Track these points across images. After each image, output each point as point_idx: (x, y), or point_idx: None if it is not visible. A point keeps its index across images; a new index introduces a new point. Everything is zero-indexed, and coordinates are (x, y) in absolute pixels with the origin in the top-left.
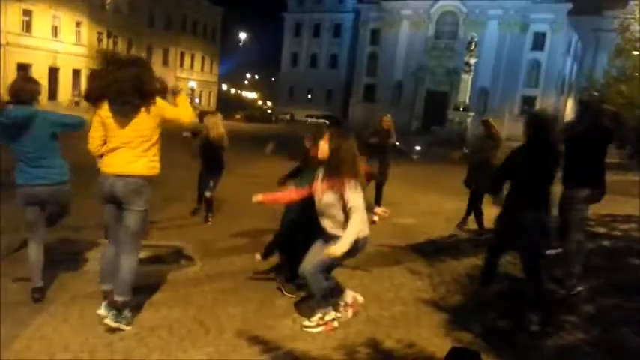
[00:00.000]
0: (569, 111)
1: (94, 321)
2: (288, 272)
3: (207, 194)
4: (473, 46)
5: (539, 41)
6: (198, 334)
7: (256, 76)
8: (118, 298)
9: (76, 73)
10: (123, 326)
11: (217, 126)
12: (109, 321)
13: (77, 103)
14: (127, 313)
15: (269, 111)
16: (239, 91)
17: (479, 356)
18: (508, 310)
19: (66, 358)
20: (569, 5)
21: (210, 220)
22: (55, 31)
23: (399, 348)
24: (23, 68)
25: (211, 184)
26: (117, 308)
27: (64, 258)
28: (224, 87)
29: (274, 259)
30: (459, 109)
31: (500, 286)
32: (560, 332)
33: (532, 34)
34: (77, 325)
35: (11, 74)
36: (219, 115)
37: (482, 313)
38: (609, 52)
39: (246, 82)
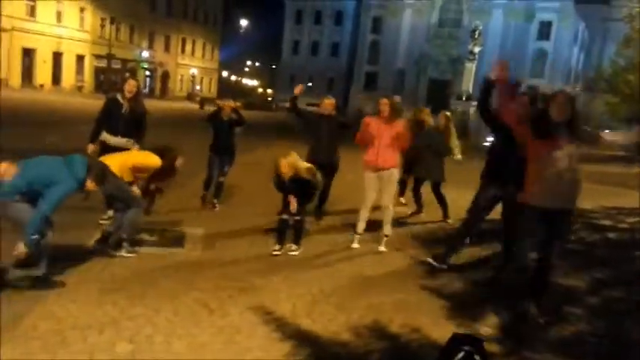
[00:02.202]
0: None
1: (101, 300)
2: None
3: (221, 179)
4: (477, 35)
5: (545, 30)
6: (202, 315)
7: (257, 64)
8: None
9: (80, 58)
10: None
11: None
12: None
13: (80, 88)
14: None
15: (269, 98)
16: (239, 79)
17: (481, 343)
18: (511, 298)
19: (74, 335)
20: None
21: (217, 206)
22: (59, 16)
23: (403, 333)
24: (28, 53)
25: (226, 169)
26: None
27: (72, 240)
28: (224, 74)
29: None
30: (462, 99)
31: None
32: (563, 323)
33: (538, 22)
34: (85, 304)
35: (16, 59)
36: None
37: (484, 301)
38: (617, 41)
39: (246, 69)
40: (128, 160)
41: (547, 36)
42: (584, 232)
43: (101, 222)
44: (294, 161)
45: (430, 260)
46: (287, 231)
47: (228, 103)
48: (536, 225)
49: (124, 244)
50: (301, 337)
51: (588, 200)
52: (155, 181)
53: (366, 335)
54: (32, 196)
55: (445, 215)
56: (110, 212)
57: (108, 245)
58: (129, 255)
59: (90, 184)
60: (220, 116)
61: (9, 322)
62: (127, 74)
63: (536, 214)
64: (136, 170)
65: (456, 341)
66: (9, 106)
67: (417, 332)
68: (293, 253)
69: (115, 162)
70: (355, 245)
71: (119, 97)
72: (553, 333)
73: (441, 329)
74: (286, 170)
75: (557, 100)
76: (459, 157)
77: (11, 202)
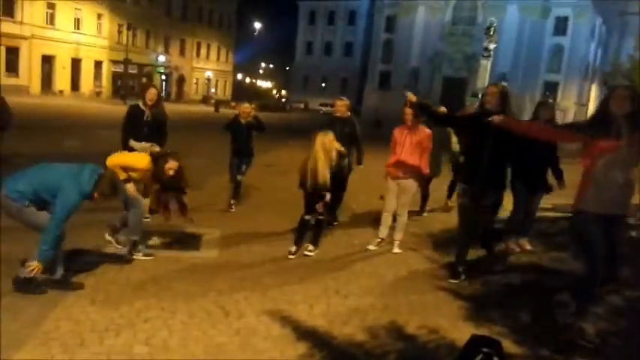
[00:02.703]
0: (594, 97)
1: (118, 303)
2: None
3: (239, 177)
4: (492, 32)
5: (561, 26)
6: (218, 317)
7: (271, 65)
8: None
9: (98, 64)
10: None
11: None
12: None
13: (98, 94)
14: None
15: (283, 100)
16: (254, 81)
17: (499, 344)
18: (530, 300)
19: (92, 337)
20: None
21: (233, 207)
22: (77, 23)
23: (420, 334)
24: (47, 60)
25: (244, 167)
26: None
27: (90, 244)
28: (239, 76)
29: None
30: (477, 96)
31: (523, 277)
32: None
33: (554, 18)
34: (103, 306)
35: (36, 66)
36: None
37: (503, 303)
38: (635, 35)
39: (260, 71)
40: (119, 159)
41: (563, 31)
42: None
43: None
44: (332, 139)
45: (451, 281)
46: (306, 232)
47: (245, 106)
48: (594, 233)
49: (140, 247)
50: (317, 339)
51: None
52: (164, 188)
53: (383, 336)
54: (42, 204)
55: (422, 209)
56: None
57: (118, 243)
58: (146, 258)
59: (97, 196)
60: (239, 120)
61: (29, 324)
62: (144, 79)
63: (594, 221)
64: (126, 169)
65: (475, 343)
66: (29, 111)
67: (435, 333)
68: (309, 253)
69: (109, 162)
70: (371, 247)
71: (141, 104)
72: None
73: (458, 330)
74: (326, 147)
75: (618, 95)
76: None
77: (24, 207)
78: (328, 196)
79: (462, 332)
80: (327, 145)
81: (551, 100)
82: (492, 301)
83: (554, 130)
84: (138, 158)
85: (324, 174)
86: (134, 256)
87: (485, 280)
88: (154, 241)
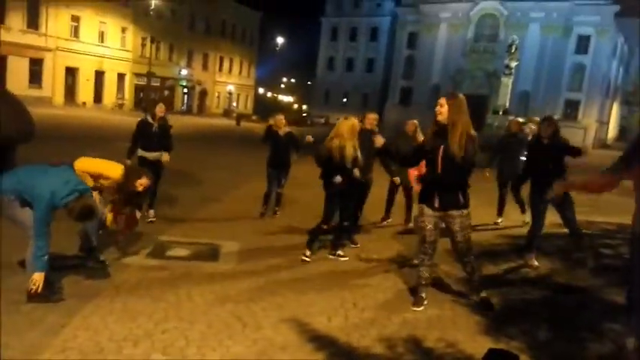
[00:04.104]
0: (615, 115)
1: (136, 313)
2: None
3: (279, 191)
4: (514, 49)
5: (583, 44)
6: (236, 328)
7: (292, 80)
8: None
9: (121, 77)
10: None
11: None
12: None
13: (121, 106)
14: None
15: (304, 114)
16: (275, 95)
17: (517, 359)
18: (548, 316)
19: (110, 347)
20: (616, 7)
21: (278, 213)
22: (101, 36)
23: (438, 348)
24: (71, 72)
25: (282, 181)
26: None
27: (108, 252)
28: (260, 90)
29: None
30: (498, 113)
31: (541, 292)
32: (603, 340)
33: (576, 36)
34: (121, 316)
35: (60, 77)
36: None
37: (520, 318)
38: None
39: (282, 85)
40: (91, 165)
41: (585, 50)
42: (624, 248)
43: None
44: (356, 124)
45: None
46: (319, 239)
47: (280, 118)
48: None
49: (94, 253)
50: (334, 351)
51: (628, 215)
52: (124, 201)
53: (400, 350)
54: (25, 201)
55: (407, 220)
56: (152, 212)
57: (88, 253)
58: (98, 266)
59: (67, 211)
60: (276, 131)
61: (48, 332)
62: (167, 92)
63: None
64: (96, 176)
65: (493, 356)
66: (52, 123)
67: (452, 347)
68: (344, 259)
69: (79, 165)
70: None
71: (149, 118)
72: (592, 349)
73: (476, 345)
74: (354, 130)
75: None
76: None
77: (13, 201)
78: (357, 172)
79: (479, 346)
80: (355, 128)
81: (557, 116)
82: (510, 317)
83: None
84: (112, 167)
85: (351, 152)
86: (91, 263)
87: (503, 295)
88: (174, 252)
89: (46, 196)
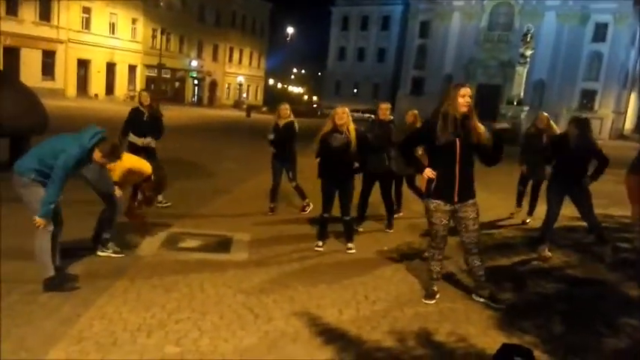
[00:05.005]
0: (632, 105)
1: (150, 303)
2: None
3: (293, 184)
4: (529, 38)
5: (600, 32)
6: (248, 319)
7: (303, 71)
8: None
9: (132, 68)
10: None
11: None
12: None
13: (132, 98)
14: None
15: (314, 105)
16: (285, 86)
17: (531, 354)
18: (563, 310)
19: (125, 337)
20: None
21: (308, 204)
22: (112, 28)
23: (449, 342)
24: (83, 64)
25: (291, 174)
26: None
27: (123, 243)
28: (270, 81)
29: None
30: (512, 103)
31: (555, 286)
32: (620, 335)
33: (593, 24)
34: (135, 306)
35: (72, 69)
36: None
37: (534, 312)
38: None
39: (292, 76)
40: (136, 162)
41: (603, 38)
42: None
43: (158, 205)
44: (346, 113)
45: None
46: (328, 227)
47: (283, 107)
48: None
49: (110, 244)
50: (345, 343)
51: None
52: (147, 189)
53: (411, 344)
54: (47, 176)
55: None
56: (160, 197)
57: (99, 243)
58: (115, 255)
59: (99, 157)
60: (277, 122)
61: (64, 322)
62: (177, 84)
63: None
64: (130, 173)
65: (507, 351)
66: (65, 115)
67: (464, 341)
68: (352, 251)
69: (126, 160)
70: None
71: (140, 107)
72: (608, 344)
73: (489, 339)
74: (344, 119)
75: None
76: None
77: (30, 182)
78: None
79: (492, 341)
80: (341, 114)
81: (545, 114)
82: (524, 310)
83: None
84: (145, 165)
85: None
86: (103, 253)
87: (516, 288)
88: (186, 243)
89: (75, 143)
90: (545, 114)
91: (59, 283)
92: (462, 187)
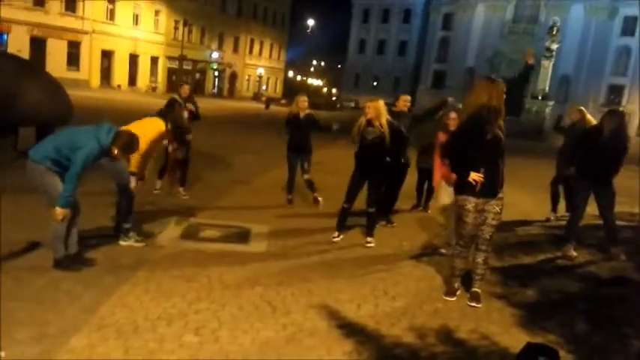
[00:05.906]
0: None
1: (170, 293)
2: None
3: (306, 176)
4: (555, 31)
5: (629, 26)
6: (266, 312)
7: (322, 63)
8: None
9: (154, 60)
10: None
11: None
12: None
13: (154, 89)
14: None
15: (334, 98)
16: (305, 78)
17: (557, 353)
18: (587, 310)
19: (145, 325)
20: None
21: (319, 200)
22: (135, 19)
23: (470, 340)
24: (107, 55)
25: (306, 166)
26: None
27: (142, 234)
28: (290, 74)
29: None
30: (537, 98)
31: (579, 285)
32: None
33: (622, 18)
34: (156, 295)
35: (96, 60)
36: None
37: (558, 311)
38: None
39: (312, 69)
40: (148, 133)
41: (632, 32)
42: None
43: (155, 191)
44: (381, 106)
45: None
46: (347, 219)
47: (302, 99)
48: None
49: (131, 233)
50: (363, 338)
51: None
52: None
53: (431, 340)
54: (62, 166)
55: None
56: (159, 183)
57: (120, 232)
58: (137, 245)
59: (116, 152)
60: (297, 115)
61: (86, 310)
62: (198, 75)
63: None
64: (151, 143)
65: (531, 350)
66: (89, 105)
67: (486, 339)
68: (371, 245)
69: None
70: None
71: (177, 97)
72: (633, 346)
73: (511, 338)
74: (372, 113)
75: None
76: None
77: (46, 170)
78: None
79: (514, 339)
80: (380, 108)
81: (582, 108)
82: (547, 309)
83: None
84: (155, 124)
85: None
86: (125, 242)
87: (539, 287)
88: (206, 234)
89: (94, 139)
90: (578, 106)
91: (68, 264)
92: (493, 180)
